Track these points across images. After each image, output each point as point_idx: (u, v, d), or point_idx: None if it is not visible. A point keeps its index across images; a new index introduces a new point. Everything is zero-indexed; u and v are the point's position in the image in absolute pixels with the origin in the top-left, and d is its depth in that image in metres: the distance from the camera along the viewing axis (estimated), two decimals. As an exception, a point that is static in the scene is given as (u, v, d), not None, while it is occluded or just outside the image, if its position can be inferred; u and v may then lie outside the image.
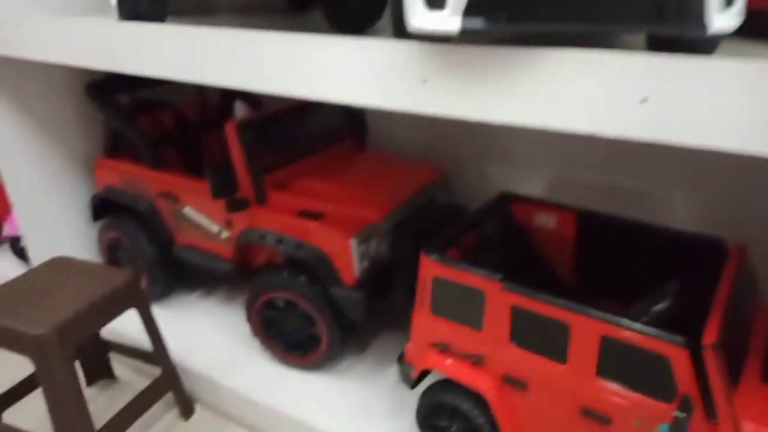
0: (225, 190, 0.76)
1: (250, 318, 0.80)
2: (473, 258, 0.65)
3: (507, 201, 0.73)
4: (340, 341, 0.76)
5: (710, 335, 0.44)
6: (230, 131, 0.76)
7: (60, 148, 0.97)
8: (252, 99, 1.05)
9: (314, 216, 0.74)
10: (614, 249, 0.68)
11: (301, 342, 0.78)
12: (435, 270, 0.59)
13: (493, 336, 0.56)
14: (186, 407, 0.79)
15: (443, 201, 0.87)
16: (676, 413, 0.44)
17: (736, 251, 0.57)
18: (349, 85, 0.47)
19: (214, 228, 0.84)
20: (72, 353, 0.61)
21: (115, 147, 0.94)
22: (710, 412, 0.44)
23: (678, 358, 0.45)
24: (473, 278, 0.56)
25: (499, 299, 0.55)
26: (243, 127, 0.77)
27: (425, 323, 0.61)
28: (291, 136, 0.85)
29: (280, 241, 0.75)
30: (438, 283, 0.59)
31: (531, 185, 0.96)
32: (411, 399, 0.74)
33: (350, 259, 0.71)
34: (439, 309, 0.60)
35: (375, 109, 0.96)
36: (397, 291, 0.76)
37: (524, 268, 0.71)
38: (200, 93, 1.07)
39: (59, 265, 0.71)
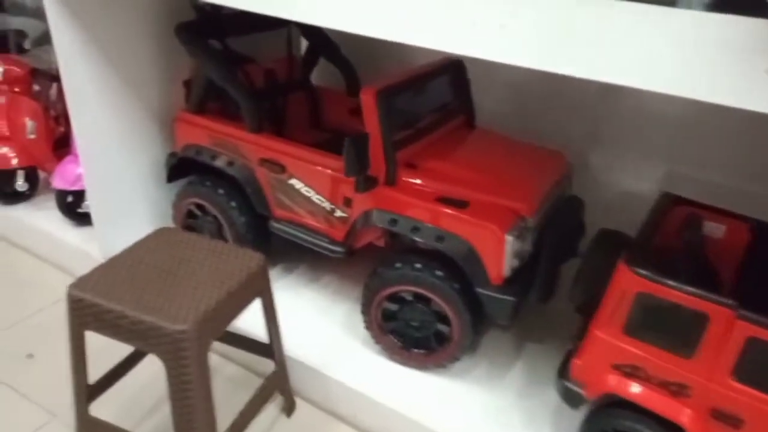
0: (360, 167, 0.67)
1: (368, 310, 0.72)
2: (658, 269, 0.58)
3: (670, 203, 0.66)
4: (471, 343, 0.69)
5: None
6: (369, 99, 0.66)
7: (134, 98, 0.85)
8: (343, 62, 0.94)
9: (459, 204, 0.65)
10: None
11: (424, 340, 0.70)
12: (641, 285, 0.51)
13: (708, 366, 0.50)
14: (290, 403, 0.71)
15: (567, 193, 0.80)
16: None
17: None
18: (643, 65, 0.38)
19: (327, 205, 0.75)
20: (208, 352, 0.52)
21: (203, 101, 0.83)
22: None
23: None
24: (695, 300, 0.49)
25: (729, 328, 0.48)
26: (384, 94, 0.67)
27: (611, 342, 0.54)
28: (418, 108, 0.75)
29: (416, 229, 0.66)
30: (642, 300, 0.52)
31: (639, 180, 0.90)
32: (540, 409, 0.68)
33: (502, 256, 0.63)
34: (636, 329, 0.53)
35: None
36: (533, 292, 0.68)
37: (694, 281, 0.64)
38: (290, 48, 0.95)
39: (170, 239, 0.61)
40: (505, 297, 0.63)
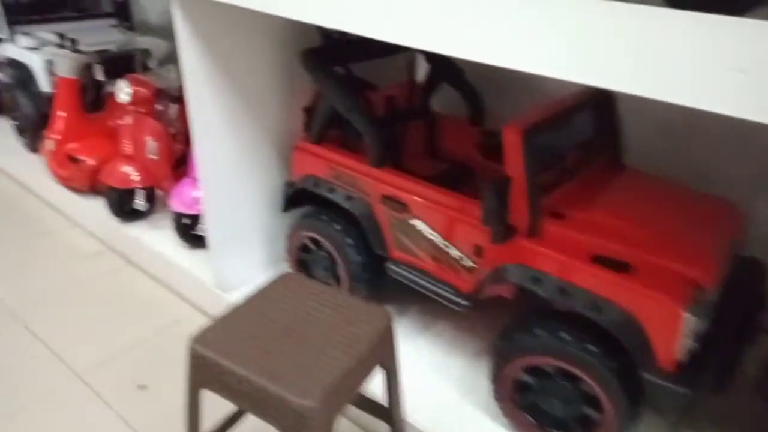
0: (501, 216, 0.59)
1: (498, 379, 0.63)
2: None
3: None
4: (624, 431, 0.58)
5: None
6: (514, 138, 0.58)
7: (254, 122, 0.82)
8: (467, 89, 0.86)
9: (620, 266, 0.55)
10: None
11: (565, 421, 0.60)
12: None
13: None
14: (403, 473, 0.64)
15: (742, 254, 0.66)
16: None
17: None
18: None
19: (453, 252, 0.67)
20: (332, 427, 0.46)
21: (324, 131, 0.78)
22: None
23: None
24: None
25: None
26: (531, 134, 0.58)
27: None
28: (564, 148, 0.66)
29: (565, 292, 0.56)
30: None
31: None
32: None
33: (677, 337, 0.52)
34: None
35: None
36: (707, 380, 0.56)
37: None
38: (411, 73, 0.89)
39: (294, 289, 0.56)
40: (677, 388, 0.52)
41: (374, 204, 0.73)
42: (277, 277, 0.57)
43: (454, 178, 0.87)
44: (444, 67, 0.88)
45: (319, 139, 0.79)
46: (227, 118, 0.79)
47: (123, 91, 0.95)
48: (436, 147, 0.93)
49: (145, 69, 1.23)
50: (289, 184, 0.83)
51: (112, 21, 1.42)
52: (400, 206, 0.70)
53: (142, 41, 1.22)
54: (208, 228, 0.83)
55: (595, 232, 0.58)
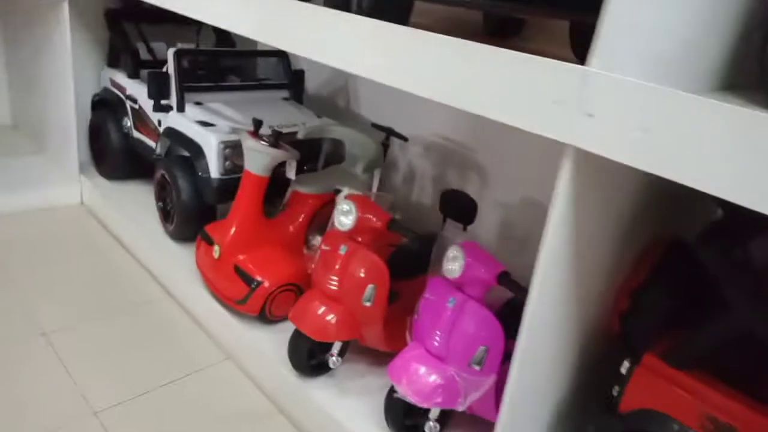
0: None
1: None
2: None
3: None
4: None
5: None
6: None
7: (579, 308, 0.55)
8: None
9: None
10: None
11: None
12: None
13: None
14: None
15: None
16: None
17: None
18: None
19: None
20: None
21: (705, 356, 0.50)
22: None
23: None
24: None
25: None
26: None
27: None
28: None
29: None
30: None
31: None
32: None
33: None
34: None
35: None
36: None
37: None
38: None
39: None
40: None
41: None
42: None
43: None
44: None
45: (690, 365, 0.51)
46: (564, 299, 0.52)
47: (345, 213, 0.71)
48: None
49: (328, 164, 1.01)
50: (615, 416, 0.54)
51: (284, 93, 1.22)
52: None
53: (335, 130, 1.00)
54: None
55: None
